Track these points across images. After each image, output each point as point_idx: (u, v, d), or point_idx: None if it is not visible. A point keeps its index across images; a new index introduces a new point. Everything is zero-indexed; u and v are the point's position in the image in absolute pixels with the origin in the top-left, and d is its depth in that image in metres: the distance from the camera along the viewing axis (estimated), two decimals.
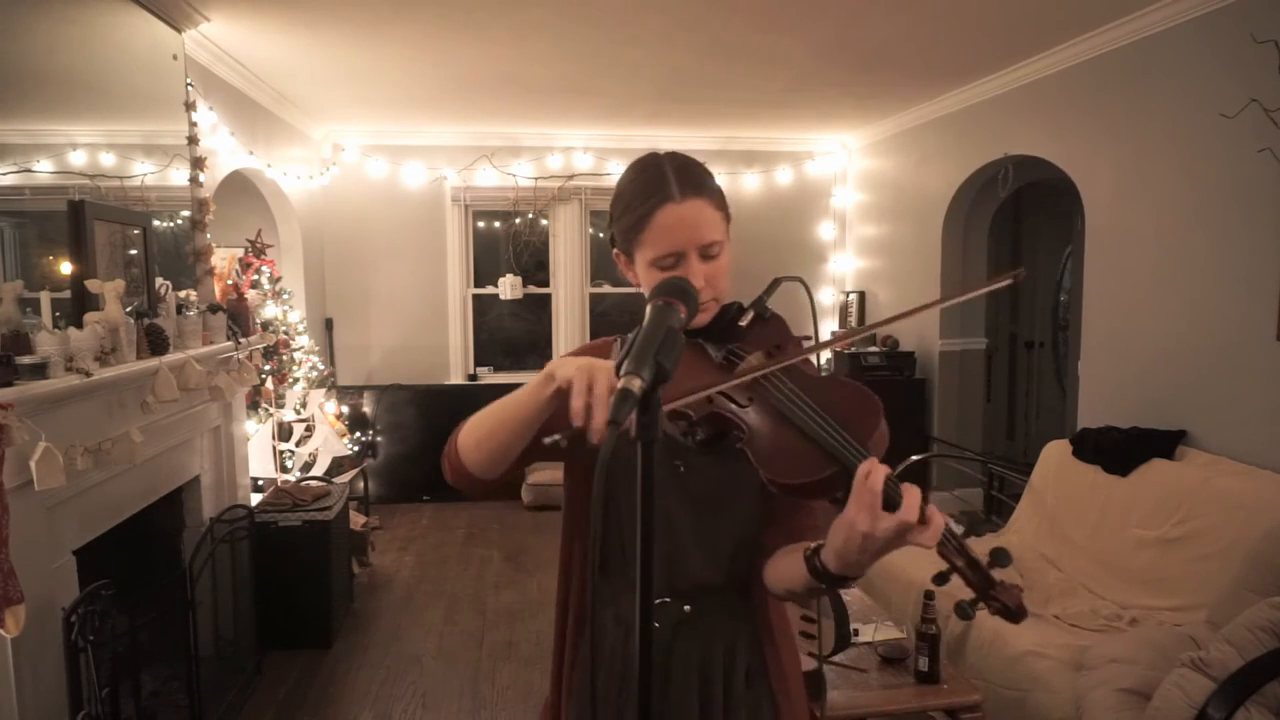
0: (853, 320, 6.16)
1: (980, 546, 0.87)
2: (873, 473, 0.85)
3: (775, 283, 1.18)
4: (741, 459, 0.98)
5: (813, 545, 0.97)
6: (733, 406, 1.00)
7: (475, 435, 1.09)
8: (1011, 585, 0.85)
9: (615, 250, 1.20)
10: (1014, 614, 0.84)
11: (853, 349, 5.68)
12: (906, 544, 0.85)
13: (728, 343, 1.12)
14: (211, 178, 3.72)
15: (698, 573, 1.16)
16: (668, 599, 1.16)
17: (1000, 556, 0.84)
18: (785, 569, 1.06)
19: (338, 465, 4.91)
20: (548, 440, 0.89)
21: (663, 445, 1.12)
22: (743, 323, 1.14)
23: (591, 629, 1.21)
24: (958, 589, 0.86)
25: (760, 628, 1.21)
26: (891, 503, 0.84)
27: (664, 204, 1.09)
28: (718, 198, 1.14)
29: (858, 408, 0.97)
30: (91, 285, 2.39)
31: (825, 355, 5.66)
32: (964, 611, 0.85)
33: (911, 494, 0.84)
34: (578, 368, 0.90)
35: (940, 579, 0.88)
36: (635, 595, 1.13)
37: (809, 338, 1.18)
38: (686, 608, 1.16)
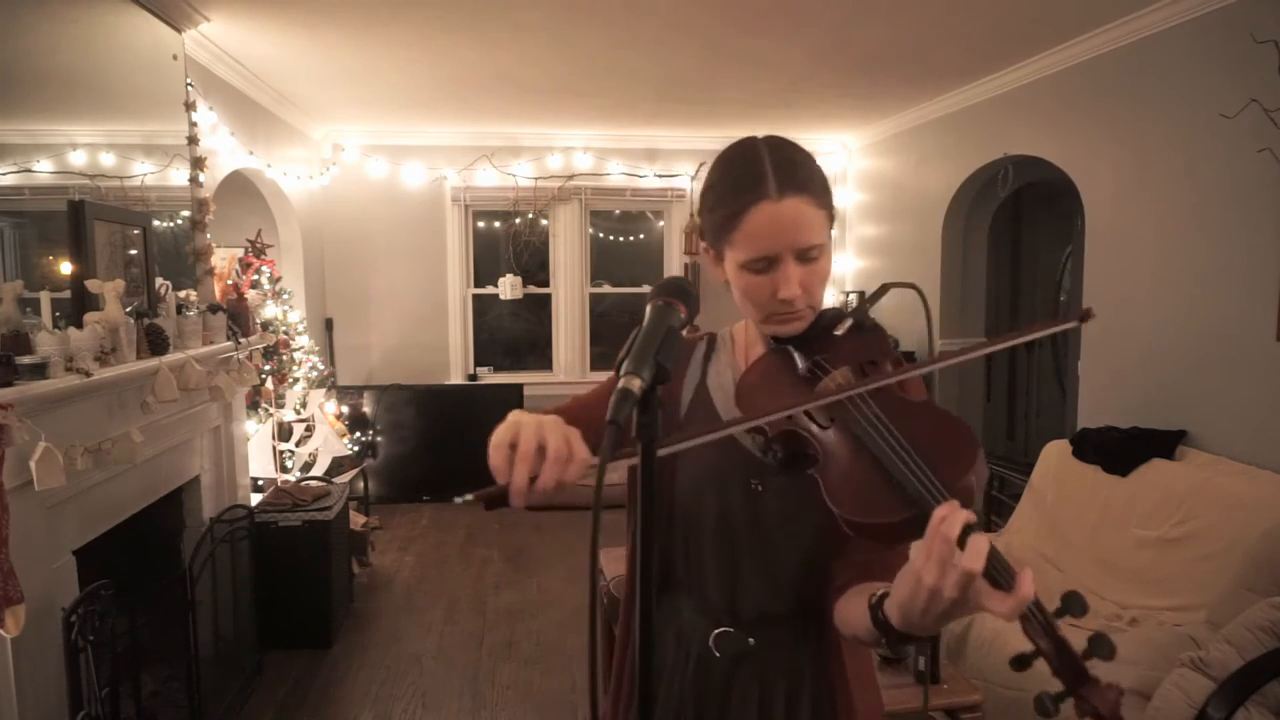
0: None
1: (1075, 635, 0.71)
2: (949, 518, 0.73)
3: (883, 288, 1.06)
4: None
5: (879, 592, 0.86)
6: (811, 426, 0.91)
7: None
8: (1109, 685, 0.69)
9: (704, 245, 1.09)
10: None
11: None
12: (983, 610, 0.72)
13: (819, 352, 1.01)
14: (211, 178, 3.72)
15: (762, 600, 1.08)
16: (730, 629, 1.08)
17: (1101, 647, 0.69)
18: (851, 613, 0.94)
19: (338, 465, 4.91)
20: (457, 500, 0.82)
21: (741, 463, 1.05)
22: (838, 331, 1.03)
23: (623, 643, 1.15)
24: (1044, 677, 0.72)
25: (830, 665, 1.09)
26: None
27: (759, 202, 0.97)
28: (821, 194, 1.00)
29: (950, 445, 0.84)
30: (91, 285, 2.39)
31: None
32: (1044, 708, 0.69)
33: (979, 545, 0.70)
34: (508, 424, 0.84)
35: (1020, 663, 0.73)
36: (696, 614, 1.09)
37: (911, 355, 1.07)
38: (751, 640, 1.08)
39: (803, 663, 1.09)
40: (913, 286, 1.04)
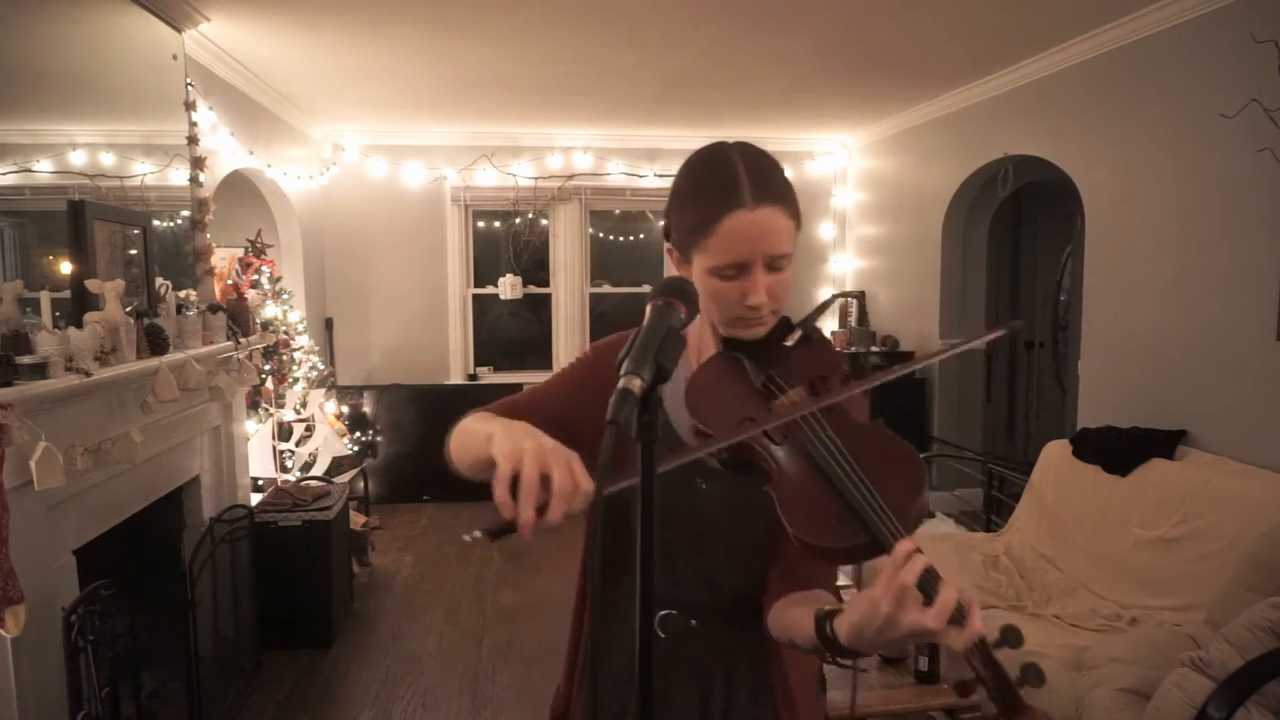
0: (853, 320, 6.16)
1: (1012, 659, 0.79)
2: (913, 561, 0.78)
3: (829, 300, 1.13)
4: (763, 495, 0.91)
5: (826, 609, 0.90)
6: (765, 440, 0.94)
7: (457, 452, 1.09)
8: (1040, 711, 0.78)
9: (669, 246, 1.11)
10: None
11: (852, 348, 5.68)
12: (934, 641, 0.79)
13: (770, 362, 1.04)
14: (211, 178, 3.72)
15: (694, 595, 1.13)
16: (674, 611, 1.14)
17: (1031, 675, 0.77)
18: (791, 621, 0.98)
19: (338, 465, 4.91)
20: (466, 538, 0.83)
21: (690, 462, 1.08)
22: (788, 343, 1.07)
23: (589, 634, 1.20)
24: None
25: (767, 647, 1.14)
26: (926, 595, 0.78)
27: (734, 210, 0.99)
28: (791, 204, 1.03)
29: (899, 471, 0.88)
30: (91, 285, 2.39)
31: None
32: None
33: (946, 595, 0.77)
34: (509, 451, 0.83)
35: (963, 688, 0.80)
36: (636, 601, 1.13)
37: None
38: (693, 622, 1.14)
39: (740, 642, 1.14)
40: (856, 296, 1.07)
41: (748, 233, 0.99)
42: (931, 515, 4.70)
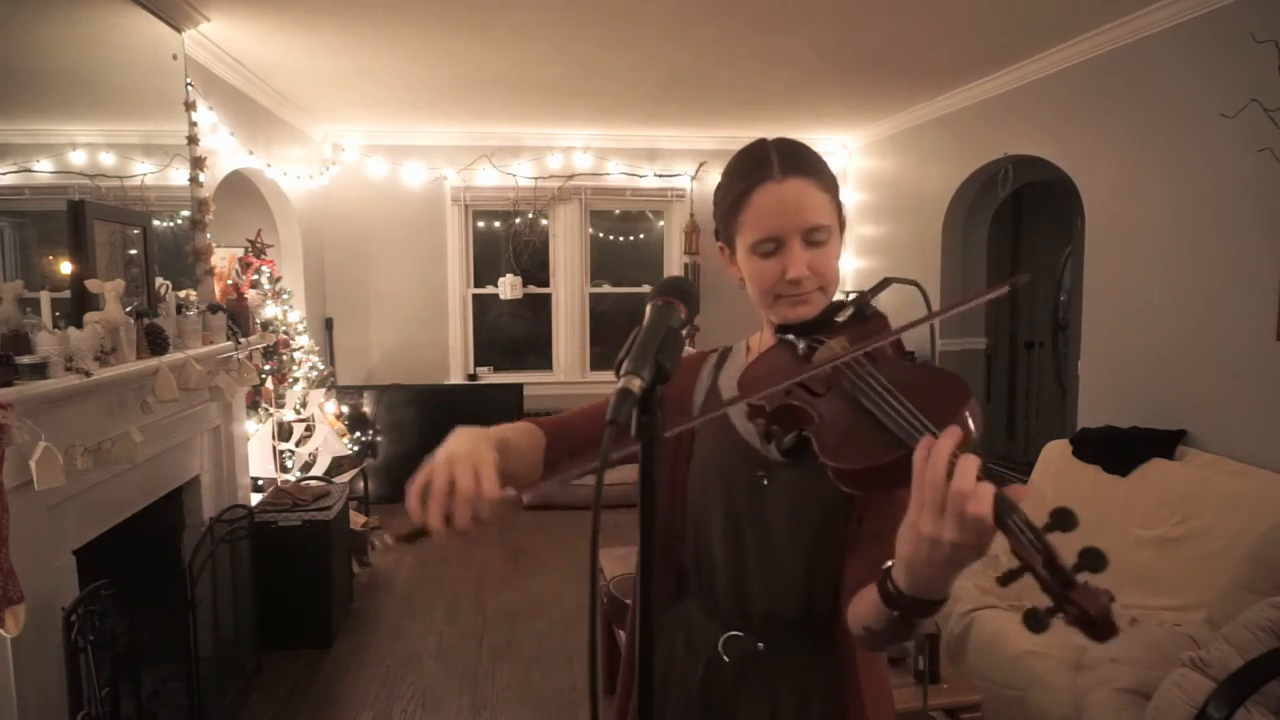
0: None
1: (1066, 545, 0.65)
2: (933, 453, 0.70)
3: (884, 282, 1.08)
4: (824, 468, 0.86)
5: (888, 564, 0.82)
6: (807, 396, 0.91)
7: None
8: (1098, 589, 0.65)
9: (719, 243, 1.11)
10: (1097, 627, 0.64)
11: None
12: (986, 543, 0.69)
13: (819, 334, 1.03)
14: (211, 178, 3.72)
15: (770, 602, 1.07)
16: (739, 632, 1.08)
17: (1094, 559, 0.64)
18: (860, 603, 0.91)
19: (338, 465, 4.91)
20: (377, 544, 0.86)
21: (746, 457, 1.06)
22: (840, 318, 1.05)
23: (630, 646, 1.14)
24: (1029, 593, 0.67)
25: (842, 673, 1.07)
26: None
27: (763, 183, 1.01)
28: (826, 179, 1.04)
29: (942, 393, 0.83)
30: (91, 285, 2.39)
31: None
32: (1036, 621, 0.66)
33: (966, 462, 0.68)
34: (436, 459, 0.85)
35: (1007, 578, 0.69)
36: (707, 619, 1.10)
37: (911, 355, 1.06)
38: (760, 645, 1.08)
39: (813, 668, 1.08)
40: (913, 283, 1.05)
41: (778, 204, 1.00)
42: None
